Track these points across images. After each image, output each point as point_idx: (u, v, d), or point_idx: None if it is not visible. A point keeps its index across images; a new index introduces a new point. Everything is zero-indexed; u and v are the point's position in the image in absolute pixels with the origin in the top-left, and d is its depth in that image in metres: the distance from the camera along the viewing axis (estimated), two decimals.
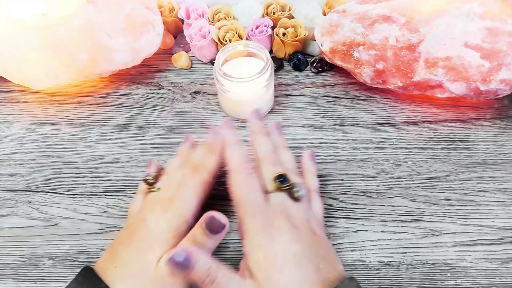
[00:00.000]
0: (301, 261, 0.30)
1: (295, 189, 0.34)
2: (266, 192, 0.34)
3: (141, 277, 0.31)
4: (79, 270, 0.32)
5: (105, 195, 0.44)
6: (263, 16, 0.55)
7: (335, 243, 0.40)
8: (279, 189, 0.34)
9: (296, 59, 0.53)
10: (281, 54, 0.54)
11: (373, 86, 0.49)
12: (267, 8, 0.55)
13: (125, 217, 0.43)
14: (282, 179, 0.34)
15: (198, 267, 0.30)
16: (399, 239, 0.40)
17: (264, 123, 0.40)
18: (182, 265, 0.30)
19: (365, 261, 0.39)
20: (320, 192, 0.43)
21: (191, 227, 0.34)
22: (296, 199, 0.34)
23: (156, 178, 0.38)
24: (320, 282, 0.30)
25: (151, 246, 0.32)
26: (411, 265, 0.39)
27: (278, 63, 0.54)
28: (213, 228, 0.32)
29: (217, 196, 0.44)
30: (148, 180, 0.38)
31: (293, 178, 0.35)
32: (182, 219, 0.33)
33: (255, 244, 0.31)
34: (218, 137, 0.39)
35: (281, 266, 0.30)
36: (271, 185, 0.34)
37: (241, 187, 0.34)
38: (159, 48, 0.53)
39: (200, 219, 0.33)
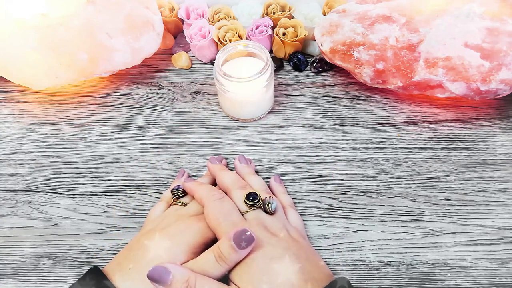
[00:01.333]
0: (279, 264, 0.31)
1: (267, 203, 0.36)
2: (242, 214, 0.36)
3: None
4: (82, 270, 0.32)
5: (105, 195, 0.44)
6: (263, 16, 0.55)
7: (335, 243, 0.40)
8: (251, 207, 0.36)
9: (296, 59, 0.53)
10: (281, 54, 0.54)
11: (373, 86, 0.49)
12: (267, 8, 0.55)
13: (125, 217, 0.43)
14: (252, 197, 0.36)
15: (176, 279, 0.30)
16: (399, 239, 0.40)
17: (222, 165, 0.43)
18: (160, 280, 0.30)
19: (365, 261, 0.39)
20: (320, 192, 0.43)
21: (210, 245, 0.34)
22: (270, 213, 0.36)
23: (184, 193, 0.40)
24: (304, 281, 0.30)
25: (166, 258, 0.32)
26: (411, 265, 0.39)
27: (278, 63, 0.54)
28: (241, 241, 0.31)
29: None
30: (175, 193, 0.39)
31: (263, 194, 0.37)
32: (202, 236, 0.34)
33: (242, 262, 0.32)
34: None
35: (261, 272, 0.31)
36: (244, 206, 0.36)
37: (217, 212, 0.35)
38: (159, 48, 0.53)
39: (228, 232, 0.32)
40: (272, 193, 0.42)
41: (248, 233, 0.31)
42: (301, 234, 0.37)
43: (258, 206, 0.36)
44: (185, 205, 0.38)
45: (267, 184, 0.42)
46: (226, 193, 0.38)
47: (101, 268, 0.33)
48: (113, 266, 0.34)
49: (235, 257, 0.32)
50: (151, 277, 0.30)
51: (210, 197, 0.36)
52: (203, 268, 0.32)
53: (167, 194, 0.41)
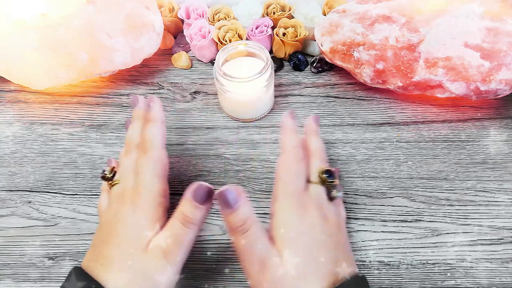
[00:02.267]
0: (321, 249, 0.31)
1: (335, 189, 0.35)
2: (308, 181, 0.35)
3: (130, 269, 0.31)
4: (71, 270, 0.32)
5: None
6: (263, 16, 0.55)
7: None
8: (322, 182, 0.35)
9: (296, 59, 0.53)
10: (281, 54, 0.54)
11: (373, 86, 0.49)
12: (267, 8, 0.55)
13: None
14: (328, 175, 0.35)
15: (240, 212, 0.31)
16: (399, 239, 0.40)
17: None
18: (228, 203, 0.31)
19: (365, 261, 0.39)
20: None
21: (166, 208, 0.34)
22: (331, 198, 0.35)
23: (112, 171, 0.37)
24: (333, 274, 0.30)
25: (134, 237, 0.32)
26: (411, 265, 0.39)
27: (278, 63, 0.54)
28: (200, 196, 0.32)
29: None
30: (105, 176, 0.37)
31: (336, 179, 0.36)
32: (154, 203, 0.33)
33: (284, 221, 0.32)
34: (141, 104, 0.40)
35: (302, 249, 0.31)
36: (316, 177, 0.35)
37: (288, 169, 0.34)
38: (159, 48, 0.53)
39: (185, 193, 0.33)
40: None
41: (203, 186, 0.32)
42: (344, 227, 0.36)
43: (327, 185, 0.35)
44: (119, 182, 0.36)
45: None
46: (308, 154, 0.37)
47: (80, 266, 0.32)
48: (88, 260, 0.33)
49: (200, 214, 0.32)
50: (224, 197, 0.30)
51: (293, 152, 0.35)
52: (172, 236, 0.32)
53: (103, 184, 0.39)
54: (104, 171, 0.37)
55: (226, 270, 0.39)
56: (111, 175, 0.37)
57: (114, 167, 0.38)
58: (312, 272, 0.30)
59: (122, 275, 0.30)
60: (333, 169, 0.36)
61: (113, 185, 0.36)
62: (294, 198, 0.33)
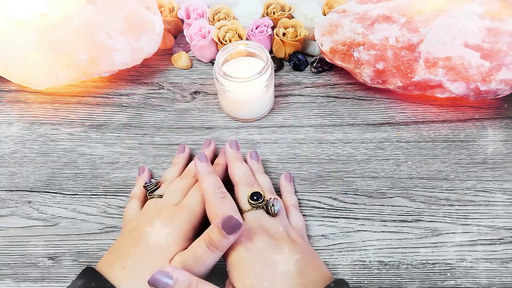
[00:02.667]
0: (278, 271, 0.31)
1: (270, 204, 0.36)
2: (242, 212, 0.36)
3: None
4: (81, 270, 0.32)
5: (105, 195, 0.44)
6: (263, 16, 0.55)
7: (335, 243, 0.40)
8: (254, 207, 0.36)
9: (296, 59, 0.53)
10: (281, 54, 0.54)
11: (373, 86, 0.49)
12: (267, 8, 0.55)
13: None
14: (256, 197, 0.36)
15: (179, 283, 0.30)
16: (399, 239, 0.40)
17: (240, 153, 0.43)
18: (164, 284, 0.30)
19: (365, 261, 0.39)
20: (320, 192, 0.43)
21: (196, 231, 0.35)
22: (272, 215, 0.36)
23: (157, 185, 0.40)
24: (302, 285, 0.30)
25: (160, 249, 0.33)
26: (411, 265, 0.39)
27: (278, 63, 0.54)
28: (229, 227, 0.32)
29: None
30: (149, 187, 0.40)
31: (268, 195, 0.38)
32: (190, 224, 0.34)
33: (236, 258, 0.33)
34: (211, 148, 0.45)
35: (261, 275, 0.31)
36: (247, 204, 0.36)
37: (215, 211, 0.35)
38: (159, 48, 0.53)
39: (216, 219, 0.33)
40: (280, 189, 0.42)
41: (234, 219, 0.32)
42: (301, 235, 0.37)
43: (261, 207, 0.36)
44: (161, 196, 0.38)
45: (278, 180, 0.43)
46: (234, 185, 0.39)
47: (94, 267, 0.33)
48: (106, 262, 0.33)
49: (225, 242, 0.32)
50: (153, 283, 0.29)
51: (213, 195, 0.36)
52: (196, 255, 0.32)
53: (137, 191, 0.41)
54: (150, 182, 0.40)
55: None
56: (155, 188, 0.40)
57: (159, 182, 0.40)
58: None
59: (140, 284, 0.31)
60: (260, 189, 0.37)
61: (152, 197, 0.38)
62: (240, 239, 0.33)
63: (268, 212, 0.36)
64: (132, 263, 0.32)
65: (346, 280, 0.32)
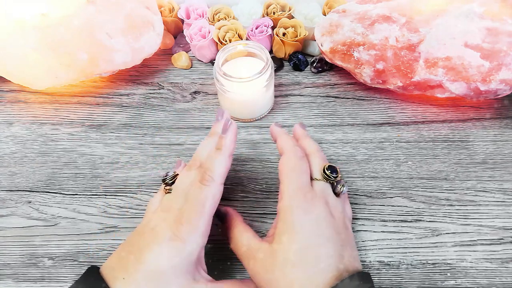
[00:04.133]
0: (325, 243, 0.31)
1: (340, 184, 0.36)
2: (312, 179, 0.35)
3: None
4: (84, 270, 0.31)
5: (105, 195, 0.44)
6: (263, 16, 0.55)
7: None
8: (326, 179, 0.36)
9: (296, 59, 0.53)
10: (281, 54, 0.54)
11: (373, 86, 0.49)
12: (267, 8, 0.55)
13: (126, 217, 0.43)
14: (331, 171, 0.36)
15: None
16: (399, 239, 0.40)
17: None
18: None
19: (365, 261, 0.39)
20: None
21: (202, 248, 0.33)
22: (337, 194, 0.36)
23: (173, 178, 0.37)
24: (337, 268, 0.30)
25: (165, 266, 0.31)
26: (411, 265, 0.39)
27: (278, 63, 0.54)
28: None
29: None
30: (165, 180, 0.37)
31: (340, 174, 0.37)
32: (194, 247, 0.32)
33: (290, 216, 0.32)
34: (223, 123, 0.37)
35: (304, 241, 0.31)
36: (319, 174, 0.36)
37: (291, 167, 0.35)
38: (159, 48, 0.53)
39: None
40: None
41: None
42: (350, 225, 0.37)
43: (331, 181, 0.36)
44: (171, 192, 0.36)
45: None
46: (306, 155, 0.38)
47: (99, 268, 0.32)
48: (110, 267, 0.32)
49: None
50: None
51: (292, 151, 0.36)
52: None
53: (162, 184, 0.39)
54: (167, 174, 0.37)
55: (220, 267, 0.39)
56: (171, 181, 0.36)
57: (177, 174, 0.37)
58: (314, 264, 0.30)
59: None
60: (336, 166, 0.37)
61: (167, 192, 0.35)
62: (300, 194, 0.33)
63: (334, 190, 0.36)
64: (132, 275, 0.31)
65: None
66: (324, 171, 0.36)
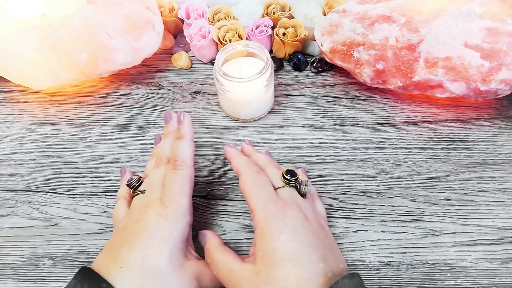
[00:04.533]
0: (308, 250, 0.31)
1: (302, 184, 0.36)
2: (275, 189, 0.35)
3: (148, 277, 0.31)
4: (77, 270, 0.31)
5: (105, 195, 0.44)
6: (263, 16, 0.55)
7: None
8: (288, 184, 0.36)
9: (296, 59, 0.53)
10: (281, 54, 0.54)
11: (373, 86, 0.49)
12: (267, 8, 0.55)
13: None
14: (290, 174, 0.36)
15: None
16: (399, 239, 0.40)
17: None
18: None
19: (365, 261, 0.39)
20: (320, 192, 0.43)
21: (190, 225, 0.35)
22: (303, 195, 0.36)
23: (139, 181, 0.38)
24: (324, 273, 0.30)
25: (158, 247, 0.32)
26: (411, 265, 0.39)
27: (278, 63, 0.54)
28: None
29: (217, 195, 0.44)
30: (131, 184, 0.38)
31: (300, 176, 0.37)
32: (182, 223, 0.34)
33: (267, 230, 0.32)
34: (174, 120, 0.41)
35: (288, 253, 0.30)
36: (280, 181, 0.36)
37: (252, 184, 0.35)
38: (159, 48, 0.53)
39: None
40: None
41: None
42: (326, 224, 0.37)
43: (293, 185, 0.36)
44: (144, 191, 0.37)
45: None
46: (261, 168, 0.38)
47: (90, 267, 0.32)
48: (101, 262, 0.32)
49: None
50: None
51: (248, 168, 0.36)
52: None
53: (122, 191, 0.40)
54: (131, 179, 0.38)
55: None
56: (137, 184, 0.38)
57: (141, 177, 0.39)
58: (301, 275, 0.30)
59: (138, 282, 0.30)
60: (292, 169, 0.37)
61: (136, 194, 0.37)
62: (270, 204, 0.33)
63: (299, 192, 0.36)
64: (129, 263, 0.31)
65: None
66: (283, 177, 0.36)
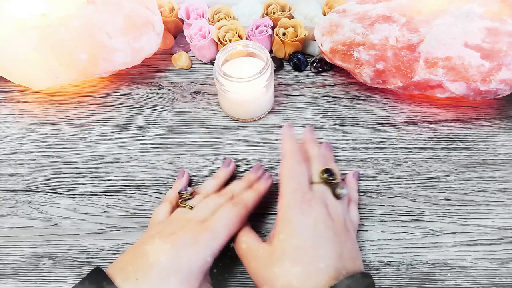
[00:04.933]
0: (322, 243, 0.31)
1: (339, 186, 0.36)
2: (311, 183, 0.36)
3: None
4: (82, 270, 0.31)
5: (105, 195, 0.44)
6: (263, 16, 0.55)
7: None
8: (324, 181, 0.36)
9: (296, 59, 0.53)
10: (281, 54, 0.54)
11: (373, 86, 0.49)
12: (267, 8, 0.55)
13: (126, 217, 0.43)
14: (329, 173, 0.36)
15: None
16: (399, 239, 0.40)
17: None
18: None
19: (365, 261, 0.39)
20: None
21: (215, 257, 0.34)
22: (337, 197, 0.36)
23: (191, 195, 0.39)
24: (335, 268, 0.30)
25: (176, 273, 0.31)
26: (411, 265, 0.39)
27: (278, 63, 0.54)
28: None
29: None
30: (183, 195, 0.39)
31: (339, 177, 0.37)
32: (210, 252, 0.33)
33: (287, 217, 0.33)
34: (258, 174, 0.42)
35: (302, 241, 0.31)
36: (318, 177, 0.36)
37: (290, 170, 0.35)
38: (159, 48, 0.53)
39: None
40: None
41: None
42: (354, 230, 0.37)
43: (329, 184, 0.36)
44: (191, 207, 0.37)
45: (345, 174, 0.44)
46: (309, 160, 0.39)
47: (105, 270, 0.32)
48: (115, 269, 0.32)
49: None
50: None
51: (291, 156, 0.36)
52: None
53: (171, 194, 0.41)
54: (185, 189, 0.39)
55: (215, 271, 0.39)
56: (189, 197, 0.39)
57: (194, 191, 0.40)
58: (312, 263, 0.30)
59: None
60: (334, 168, 0.37)
61: (183, 206, 0.38)
62: (298, 195, 0.34)
63: (334, 193, 0.36)
64: (144, 276, 0.31)
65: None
66: (321, 174, 0.36)
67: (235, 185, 0.40)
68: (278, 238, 0.32)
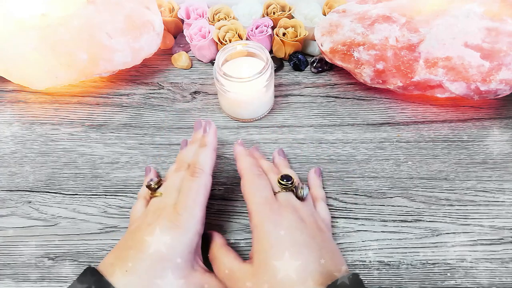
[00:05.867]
0: (302, 250, 0.31)
1: (299, 188, 0.37)
2: (274, 194, 0.36)
3: (152, 285, 0.31)
4: (82, 270, 0.32)
5: (105, 195, 0.44)
6: (263, 16, 0.55)
7: (335, 243, 0.40)
8: (284, 188, 0.36)
9: (296, 59, 0.53)
10: (281, 54, 0.54)
11: (373, 86, 0.49)
12: (267, 8, 0.55)
13: (126, 217, 0.43)
14: (285, 179, 0.37)
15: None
16: (399, 239, 0.40)
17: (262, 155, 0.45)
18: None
19: (365, 261, 0.39)
20: None
21: (201, 235, 0.35)
22: (300, 198, 0.37)
23: (158, 183, 0.39)
24: (319, 273, 0.30)
25: (163, 260, 0.32)
26: (411, 265, 0.39)
27: (278, 63, 0.54)
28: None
29: (217, 195, 0.44)
30: (151, 186, 0.38)
31: (296, 179, 0.38)
32: (192, 230, 0.33)
33: (262, 232, 0.33)
34: (202, 128, 0.41)
35: (281, 252, 0.31)
36: (277, 186, 0.37)
37: (251, 186, 0.36)
38: (159, 48, 0.53)
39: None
40: (308, 183, 0.43)
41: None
42: (327, 227, 0.38)
43: (290, 189, 0.36)
44: (161, 194, 0.37)
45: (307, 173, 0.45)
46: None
47: (96, 267, 0.32)
48: (108, 263, 0.33)
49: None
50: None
51: (250, 171, 0.37)
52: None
53: (143, 191, 0.41)
54: (151, 180, 0.38)
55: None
56: (156, 186, 0.38)
57: (161, 179, 0.39)
58: (296, 275, 0.30)
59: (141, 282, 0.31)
60: (289, 173, 0.38)
61: (154, 196, 0.37)
62: (266, 207, 0.34)
63: (297, 196, 0.37)
64: (134, 269, 0.31)
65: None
66: (279, 182, 0.37)
67: (187, 152, 0.40)
68: (258, 260, 0.32)
